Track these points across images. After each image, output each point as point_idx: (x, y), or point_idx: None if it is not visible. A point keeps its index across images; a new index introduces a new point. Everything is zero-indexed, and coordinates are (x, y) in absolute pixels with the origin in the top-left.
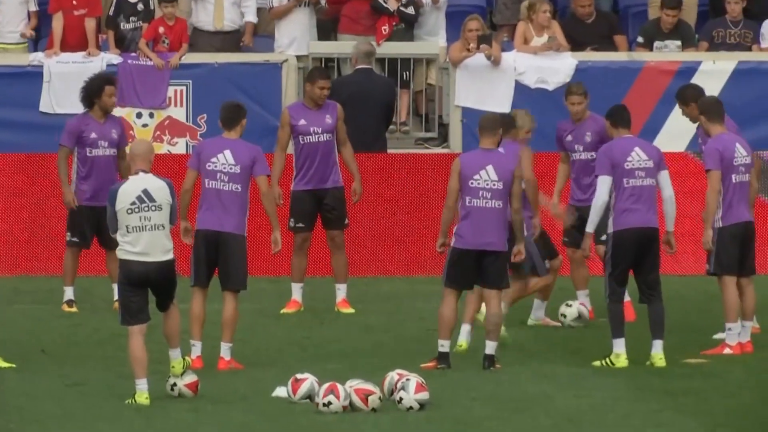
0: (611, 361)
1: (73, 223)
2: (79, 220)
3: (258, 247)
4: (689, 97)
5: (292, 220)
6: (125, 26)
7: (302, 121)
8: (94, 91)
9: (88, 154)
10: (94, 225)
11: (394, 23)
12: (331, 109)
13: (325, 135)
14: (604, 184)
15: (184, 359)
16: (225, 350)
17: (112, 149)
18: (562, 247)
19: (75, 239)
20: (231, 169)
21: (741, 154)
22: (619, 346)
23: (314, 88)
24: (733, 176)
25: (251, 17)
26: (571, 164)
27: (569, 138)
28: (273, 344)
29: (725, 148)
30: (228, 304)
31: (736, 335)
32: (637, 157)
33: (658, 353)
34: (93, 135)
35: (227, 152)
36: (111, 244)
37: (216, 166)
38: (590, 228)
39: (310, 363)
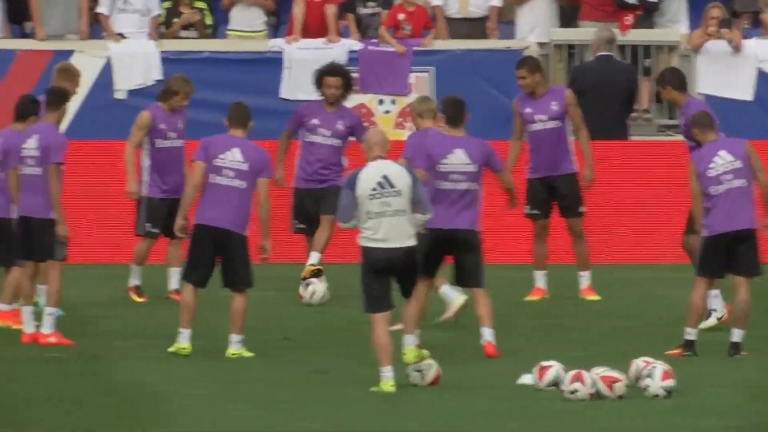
0: None
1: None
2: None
3: (493, 236)
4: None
5: (527, 206)
6: (363, 11)
7: (527, 110)
8: (316, 81)
9: (307, 140)
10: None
11: (637, 13)
12: (557, 95)
13: (551, 122)
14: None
15: (419, 349)
16: (487, 334)
17: (335, 139)
18: None
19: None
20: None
21: None
22: None
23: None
24: None
25: (496, 1)
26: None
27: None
28: (518, 332)
29: None
30: (480, 298)
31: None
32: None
33: None
34: (314, 121)
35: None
36: None
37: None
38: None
39: (556, 350)
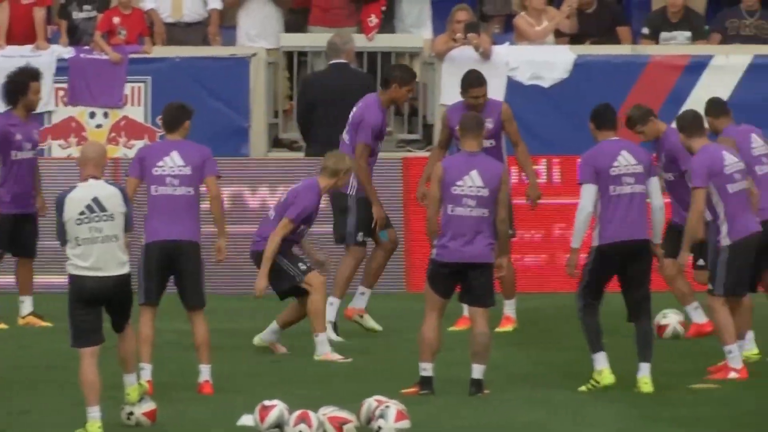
0: (596, 381)
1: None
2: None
3: None
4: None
5: None
6: (78, 15)
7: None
8: (19, 87)
9: (12, 157)
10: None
11: (381, 8)
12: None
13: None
14: (587, 192)
15: (140, 385)
16: (205, 372)
17: (34, 151)
18: None
19: None
20: (180, 171)
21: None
22: (600, 362)
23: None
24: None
25: (216, 3)
26: None
27: None
28: (240, 369)
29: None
30: (198, 324)
31: (738, 357)
32: (624, 161)
33: (644, 377)
34: (18, 136)
35: (174, 153)
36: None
37: (164, 170)
38: (575, 243)
39: (280, 388)
